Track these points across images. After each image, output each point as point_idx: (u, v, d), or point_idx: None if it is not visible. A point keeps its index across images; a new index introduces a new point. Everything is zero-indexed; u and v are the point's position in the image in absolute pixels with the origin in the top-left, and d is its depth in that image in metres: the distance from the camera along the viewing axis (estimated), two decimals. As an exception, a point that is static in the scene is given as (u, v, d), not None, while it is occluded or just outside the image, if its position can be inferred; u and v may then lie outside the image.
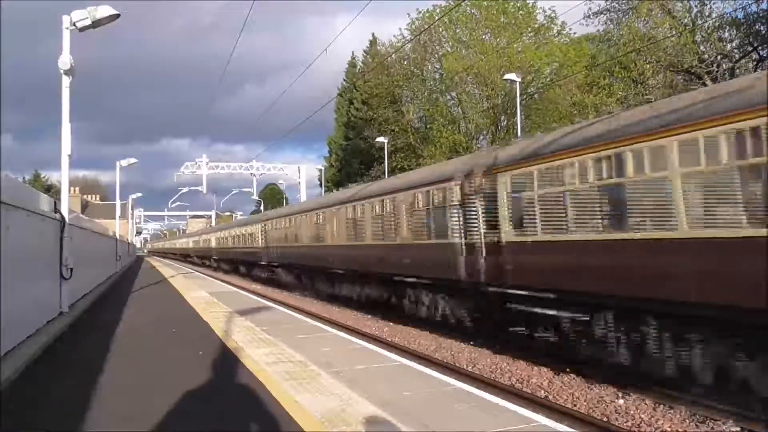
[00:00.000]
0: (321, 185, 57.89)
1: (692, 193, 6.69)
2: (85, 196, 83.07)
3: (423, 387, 5.55)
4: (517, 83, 22.77)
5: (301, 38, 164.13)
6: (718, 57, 26.13)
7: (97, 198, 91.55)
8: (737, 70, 26.38)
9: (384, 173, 35.41)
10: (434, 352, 10.95)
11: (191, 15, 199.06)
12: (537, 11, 36.94)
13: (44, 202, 9.32)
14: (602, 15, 28.83)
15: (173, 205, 77.86)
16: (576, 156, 8.24)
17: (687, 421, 6.79)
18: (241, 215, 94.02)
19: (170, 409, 4.96)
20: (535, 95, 33.65)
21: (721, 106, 6.44)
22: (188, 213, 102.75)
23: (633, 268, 7.38)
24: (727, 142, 6.30)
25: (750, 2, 25.10)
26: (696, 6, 26.80)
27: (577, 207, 8.30)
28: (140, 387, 5.59)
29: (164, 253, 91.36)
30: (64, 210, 10.66)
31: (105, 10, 11.20)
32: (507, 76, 23.24)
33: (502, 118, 36.36)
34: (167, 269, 34.30)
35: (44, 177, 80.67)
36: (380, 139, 34.90)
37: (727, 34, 26.78)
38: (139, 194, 57.68)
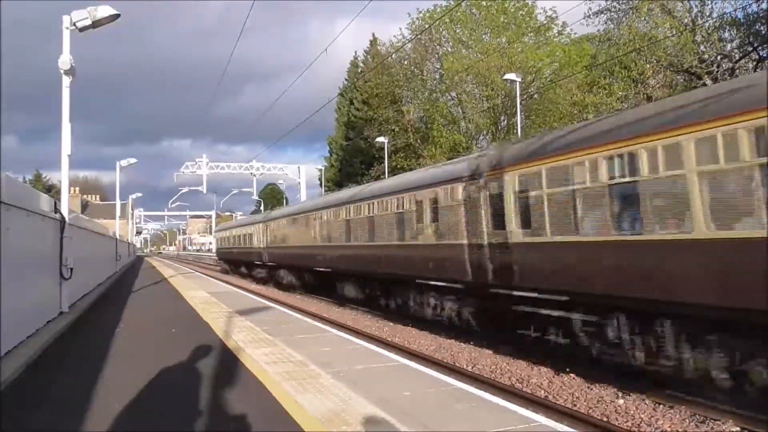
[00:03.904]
0: (321, 185, 57.91)
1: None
2: (85, 196, 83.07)
3: (423, 387, 5.54)
4: (517, 83, 22.75)
5: (303, 41, 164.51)
6: (719, 57, 26.13)
7: (97, 198, 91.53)
8: (737, 70, 26.38)
9: (384, 173, 35.41)
10: (434, 352, 10.95)
11: (194, 18, 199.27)
12: (537, 11, 36.96)
13: (44, 202, 9.32)
14: (602, 15, 28.86)
15: (173, 205, 77.92)
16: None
17: (687, 421, 6.78)
18: (241, 215, 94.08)
19: (170, 408, 4.97)
20: (535, 95, 33.67)
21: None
22: (188, 213, 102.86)
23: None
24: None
25: (750, 2, 25.10)
26: (696, 6, 26.82)
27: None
28: (140, 387, 5.58)
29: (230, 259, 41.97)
30: (64, 210, 10.65)
31: (105, 10, 11.20)
32: (507, 76, 23.23)
33: (502, 118, 36.37)
34: (167, 269, 34.30)
35: (45, 177, 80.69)
36: (380, 139, 34.92)
37: (727, 34, 26.80)
38: (139, 194, 57.86)
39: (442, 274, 12.19)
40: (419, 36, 36.07)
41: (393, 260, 14.38)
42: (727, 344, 6.64)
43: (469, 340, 11.78)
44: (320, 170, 57.59)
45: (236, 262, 38.40)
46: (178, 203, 76.82)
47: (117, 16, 11.42)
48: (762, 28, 24.93)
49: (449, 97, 40.54)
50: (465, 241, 11.21)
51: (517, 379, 8.79)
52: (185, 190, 62.80)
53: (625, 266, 7.61)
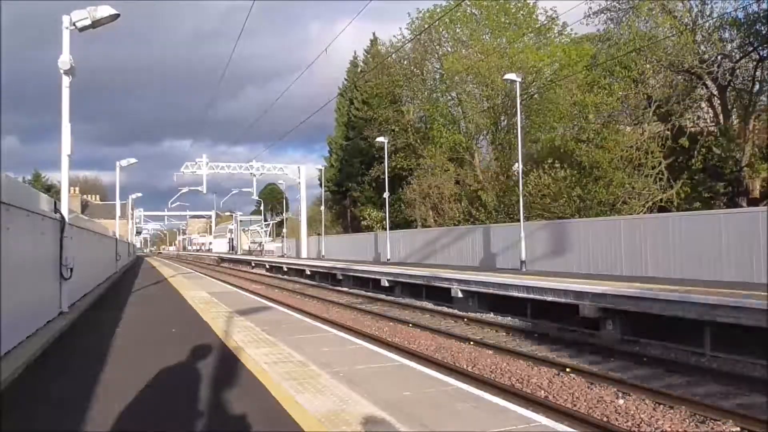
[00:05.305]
0: (321, 185, 57.94)
1: None
2: (85, 196, 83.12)
3: (423, 387, 5.54)
4: (517, 83, 22.73)
5: (304, 43, 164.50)
6: (719, 57, 26.13)
7: (97, 198, 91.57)
8: (737, 71, 26.38)
9: (384, 173, 35.41)
10: (434, 352, 10.95)
11: (195, 18, 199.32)
12: (537, 11, 36.98)
13: (44, 202, 9.31)
14: (602, 14, 28.89)
15: (173, 205, 77.97)
16: None
17: (687, 421, 6.79)
18: (241, 215, 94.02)
19: (170, 408, 4.96)
20: (536, 95, 33.67)
21: None
22: (188, 213, 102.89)
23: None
24: None
25: (750, 2, 25.10)
26: (696, 6, 26.82)
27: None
28: (140, 387, 5.58)
29: None
30: (64, 210, 10.64)
31: (105, 10, 11.18)
32: (507, 76, 23.19)
33: (502, 118, 36.37)
34: (167, 269, 34.31)
35: (44, 177, 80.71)
36: (380, 139, 34.88)
37: (727, 34, 26.80)
38: (139, 194, 57.88)
39: None
40: (419, 36, 36.05)
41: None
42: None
43: (469, 341, 11.79)
44: (320, 170, 57.59)
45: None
46: (178, 203, 76.95)
47: (117, 16, 11.41)
48: (762, 28, 24.92)
49: (449, 97, 40.55)
50: None
51: (517, 379, 8.79)
52: (185, 190, 62.94)
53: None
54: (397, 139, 40.84)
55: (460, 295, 17.22)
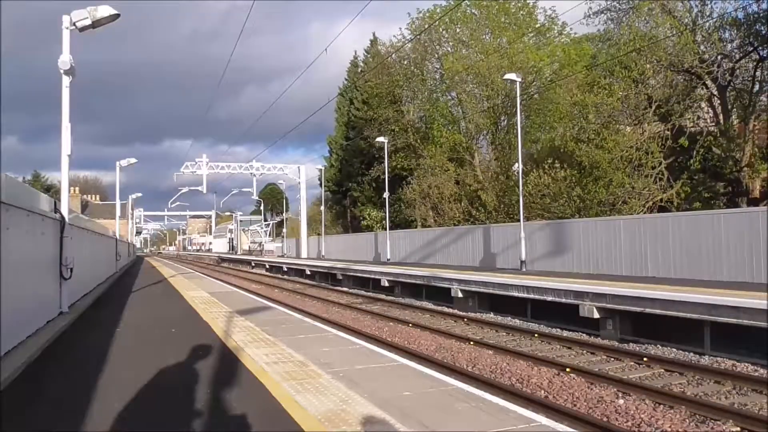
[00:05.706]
0: (321, 185, 57.94)
1: None
2: (85, 196, 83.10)
3: (423, 387, 5.54)
4: (518, 83, 22.73)
5: (304, 43, 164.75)
6: (719, 57, 26.13)
7: (97, 198, 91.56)
8: (737, 70, 26.38)
9: (384, 173, 35.39)
10: (434, 352, 10.95)
11: (195, 19, 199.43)
12: (537, 11, 37.00)
13: (44, 202, 9.32)
14: (602, 14, 28.91)
15: (173, 205, 77.96)
16: None
17: (687, 421, 6.78)
18: (241, 215, 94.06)
19: (170, 408, 4.97)
20: (536, 95, 33.68)
21: None
22: (188, 213, 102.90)
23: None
24: None
25: (750, 2, 25.11)
26: (696, 6, 26.83)
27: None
28: (140, 387, 5.59)
29: None
30: (64, 210, 10.65)
31: (105, 10, 11.18)
32: (507, 76, 23.19)
33: (502, 118, 36.39)
34: (167, 269, 34.30)
35: (44, 177, 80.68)
36: (380, 139, 34.86)
37: (727, 34, 26.81)
38: (139, 194, 57.93)
39: None
40: (419, 36, 36.07)
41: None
42: None
43: (469, 340, 11.79)
44: (320, 170, 57.61)
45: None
46: (178, 203, 76.90)
47: (117, 16, 11.42)
48: (762, 28, 24.93)
49: (449, 97, 40.58)
50: None
51: (517, 379, 8.79)
52: (185, 190, 62.99)
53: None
54: (397, 139, 40.84)
55: (460, 295, 17.25)
